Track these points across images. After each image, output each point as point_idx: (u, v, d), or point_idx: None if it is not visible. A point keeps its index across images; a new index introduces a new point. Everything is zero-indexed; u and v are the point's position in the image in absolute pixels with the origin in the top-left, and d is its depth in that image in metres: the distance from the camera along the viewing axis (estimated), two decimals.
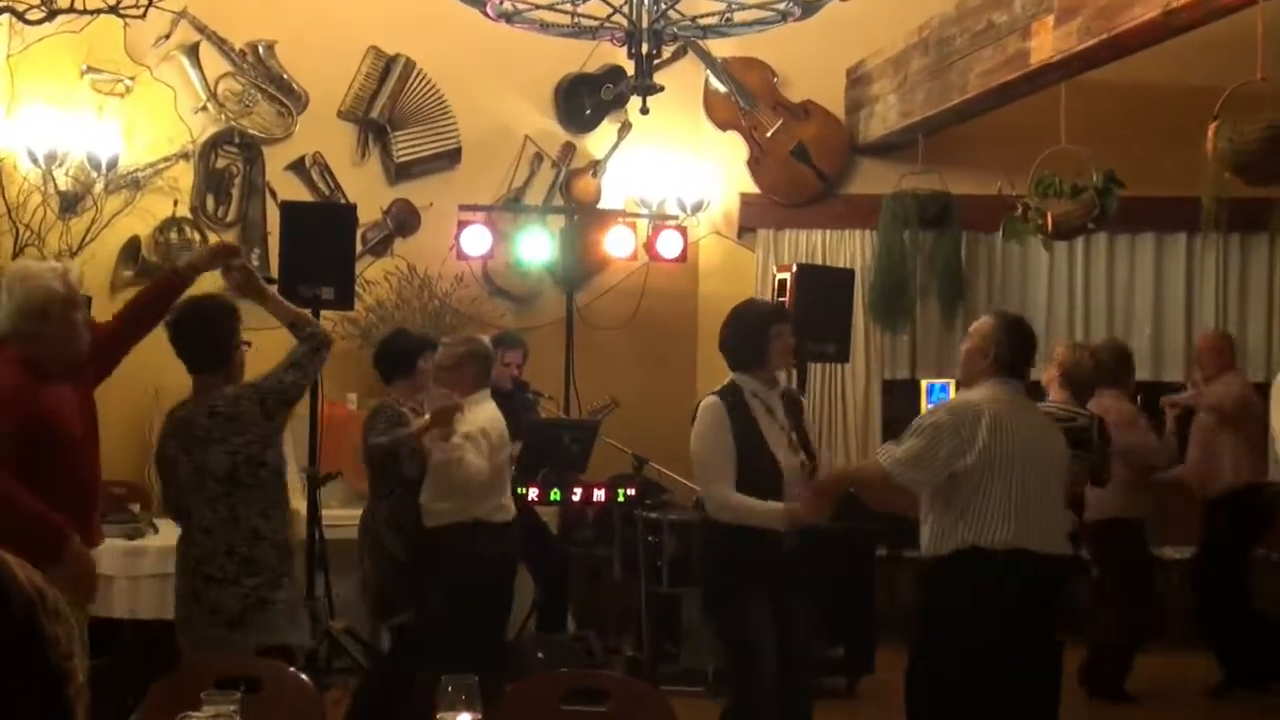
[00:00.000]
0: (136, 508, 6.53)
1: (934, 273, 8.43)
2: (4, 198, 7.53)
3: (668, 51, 7.94)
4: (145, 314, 4.31)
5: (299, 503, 7.17)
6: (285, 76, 8.07)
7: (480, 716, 2.54)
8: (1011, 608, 4.24)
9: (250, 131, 7.99)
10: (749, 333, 4.65)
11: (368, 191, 8.08)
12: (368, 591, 5.63)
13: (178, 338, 4.30)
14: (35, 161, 7.50)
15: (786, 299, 7.18)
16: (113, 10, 6.89)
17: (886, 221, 8.36)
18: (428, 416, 5.28)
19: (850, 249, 8.59)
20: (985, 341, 4.46)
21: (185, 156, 7.84)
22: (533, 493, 6.42)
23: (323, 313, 6.69)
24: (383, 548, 5.37)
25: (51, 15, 6.89)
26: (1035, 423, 4.47)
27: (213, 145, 7.93)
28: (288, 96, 8.07)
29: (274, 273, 7.28)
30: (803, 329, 6.80)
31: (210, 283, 4.76)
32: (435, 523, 5.35)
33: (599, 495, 6.93)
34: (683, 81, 8.19)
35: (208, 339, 4.28)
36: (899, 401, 8.48)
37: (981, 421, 4.26)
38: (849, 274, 7.80)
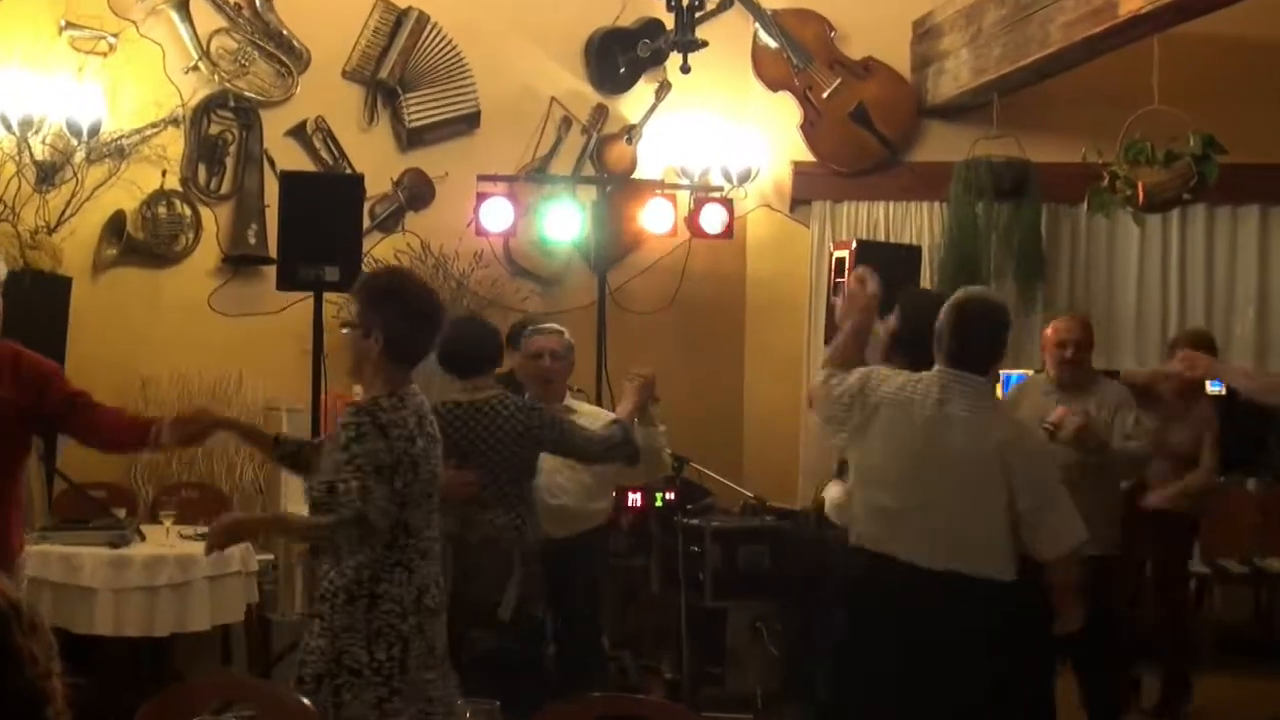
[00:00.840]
0: (122, 513, 6.54)
1: (1010, 250, 8.40)
2: None
3: (712, 2, 7.99)
4: (100, 437, 4.46)
5: (297, 508, 7.20)
6: (285, 33, 8.09)
7: None
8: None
9: (246, 94, 8.02)
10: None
11: (376, 160, 8.10)
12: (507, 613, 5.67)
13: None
14: (9, 128, 7.54)
15: (844, 278, 7.15)
16: None
17: (957, 192, 8.32)
18: (629, 401, 5.37)
19: (916, 223, 8.58)
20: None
21: (175, 122, 7.87)
22: None
23: (326, 295, 6.73)
24: (533, 559, 5.20)
25: None
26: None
27: (205, 109, 7.96)
28: (288, 55, 8.10)
29: (271, 250, 7.33)
30: None
31: None
32: (583, 526, 5.56)
33: (635, 500, 6.91)
34: (729, 36, 8.17)
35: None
36: None
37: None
38: (915, 251, 7.77)
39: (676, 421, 7.55)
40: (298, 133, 8.11)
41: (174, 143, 7.89)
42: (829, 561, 5.54)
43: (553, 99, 8.42)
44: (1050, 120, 8.22)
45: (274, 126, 8.07)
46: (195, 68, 7.92)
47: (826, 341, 7.47)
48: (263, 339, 7.70)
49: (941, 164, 8.43)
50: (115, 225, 7.75)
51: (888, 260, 7.38)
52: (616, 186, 8.30)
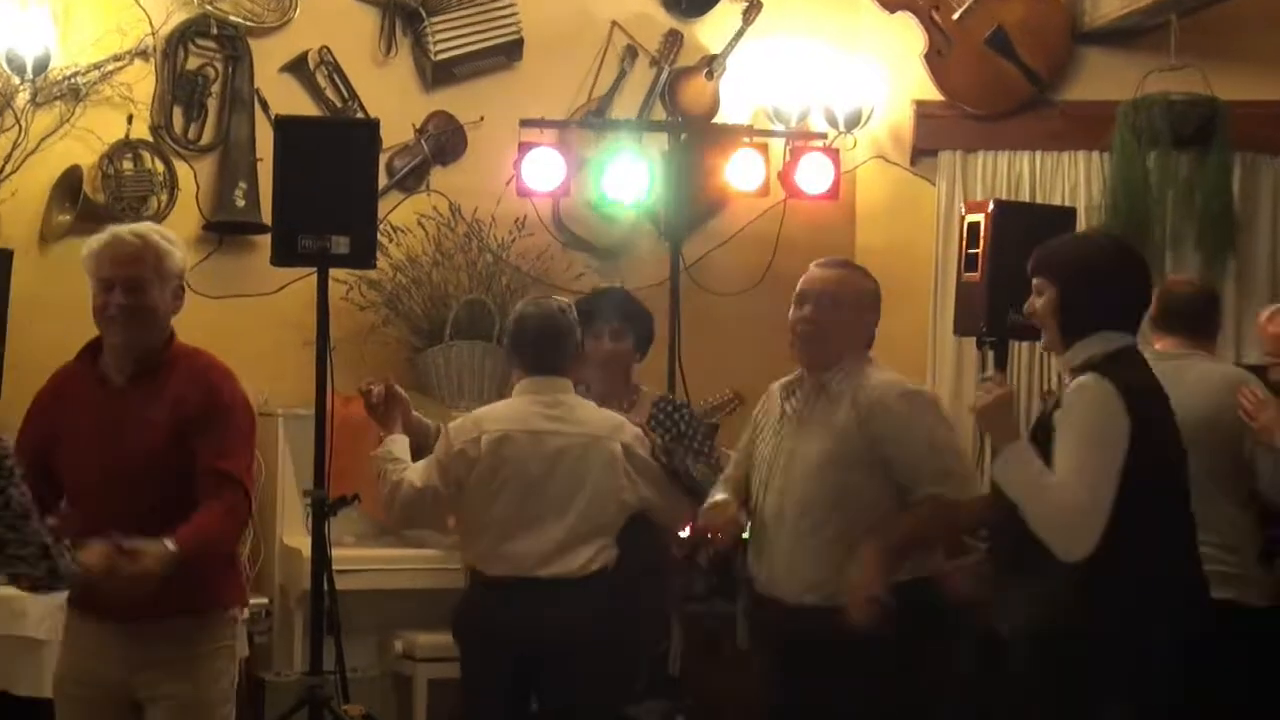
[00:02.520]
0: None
1: (1191, 212, 8.33)
2: None
3: None
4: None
5: (297, 538, 7.22)
6: None
7: None
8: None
9: (232, 19, 8.02)
10: None
11: (395, 102, 8.11)
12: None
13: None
14: None
15: (979, 250, 7.10)
16: None
17: (1123, 139, 8.25)
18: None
19: (1071, 178, 8.53)
20: None
21: (143, 55, 7.87)
22: None
23: (331, 272, 6.72)
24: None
25: None
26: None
27: (181, 38, 7.96)
28: None
29: (265, 216, 7.32)
30: (1000, 293, 6.73)
31: None
32: None
33: None
34: None
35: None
36: None
37: None
38: (1069, 214, 7.62)
39: None
40: (297, 67, 8.11)
41: (142, 81, 7.89)
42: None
43: (614, 23, 8.41)
44: (1244, 48, 8.16)
45: (267, 60, 8.08)
46: None
47: (956, 331, 7.43)
48: (254, 326, 7.69)
49: (1103, 103, 8.36)
50: (69, 184, 7.75)
51: (1034, 226, 7.23)
52: (693, 134, 8.28)
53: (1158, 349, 5.95)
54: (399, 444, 5.66)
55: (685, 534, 6.06)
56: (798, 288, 5.24)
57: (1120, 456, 4.29)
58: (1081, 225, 7.87)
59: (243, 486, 4.47)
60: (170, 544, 4.19)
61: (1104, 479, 4.28)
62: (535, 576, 5.48)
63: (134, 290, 4.44)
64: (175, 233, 4.74)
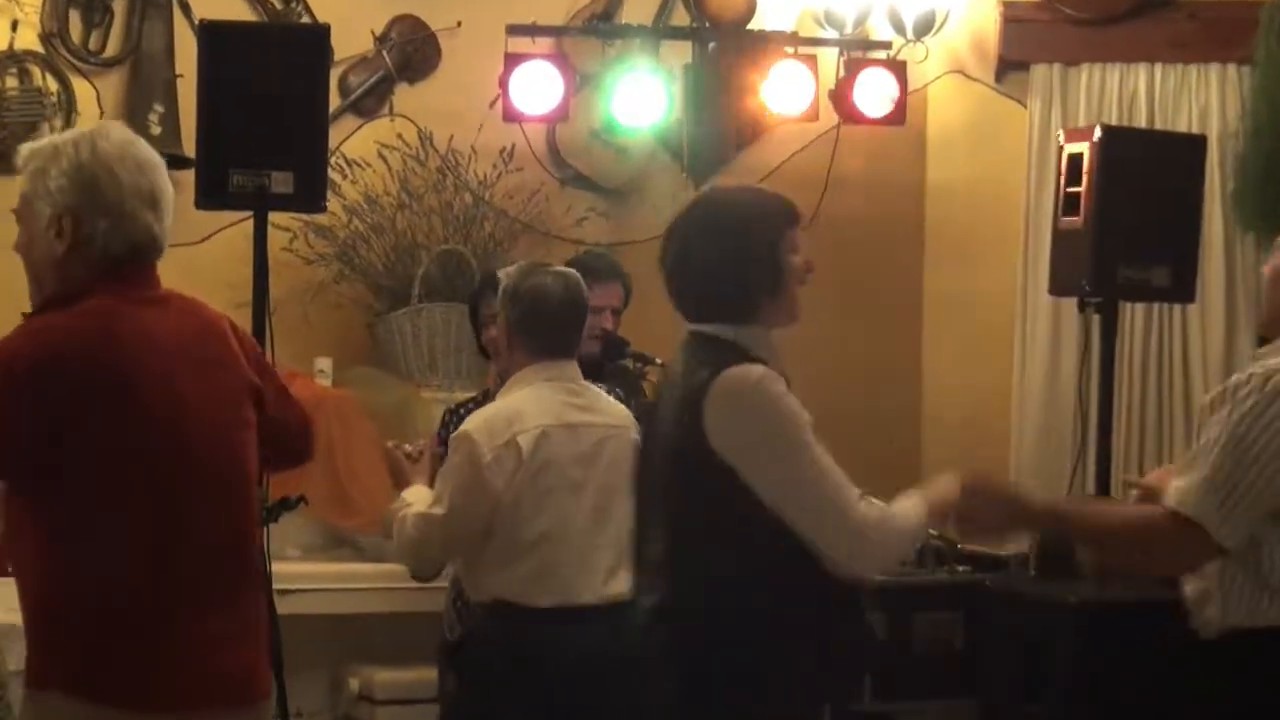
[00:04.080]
0: None
1: None
2: None
3: None
4: None
5: None
6: None
7: None
8: None
9: None
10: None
11: (349, 3, 8.10)
12: None
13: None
14: None
15: (1082, 188, 7.09)
16: None
17: (1270, 48, 8.14)
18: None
19: (1200, 99, 8.51)
20: None
21: None
22: None
23: (271, 217, 6.68)
24: None
25: None
26: None
27: None
28: None
29: (187, 147, 7.29)
30: (1109, 242, 6.69)
31: None
32: None
33: None
34: None
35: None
36: None
37: None
38: (1198, 144, 7.70)
39: (820, 415, 7.49)
40: None
41: None
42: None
43: None
44: None
45: None
46: None
47: (1052, 289, 7.41)
48: (174, 284, 7.64)
49: (1241, 3, 8.34)
50: None
51: (1153, 159, 7.39)
52: (723, 43, 8.29)
53: None
54: (419, 494, 5.69)
55: None
56: None
57: None
58: (1212, 159, 7.89)
59: None
60: None
61: None
62: (590, 604, 5.51)
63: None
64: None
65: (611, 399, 5.82)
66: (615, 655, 5.23)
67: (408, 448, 5.81)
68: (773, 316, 4.69)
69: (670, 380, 4.68)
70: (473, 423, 5.68)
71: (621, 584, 5.37)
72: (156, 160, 4.31)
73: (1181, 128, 8.34)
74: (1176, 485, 4.43)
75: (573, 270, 5.94)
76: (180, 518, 4.07)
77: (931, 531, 5.73)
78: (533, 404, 5.64)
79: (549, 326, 5.70)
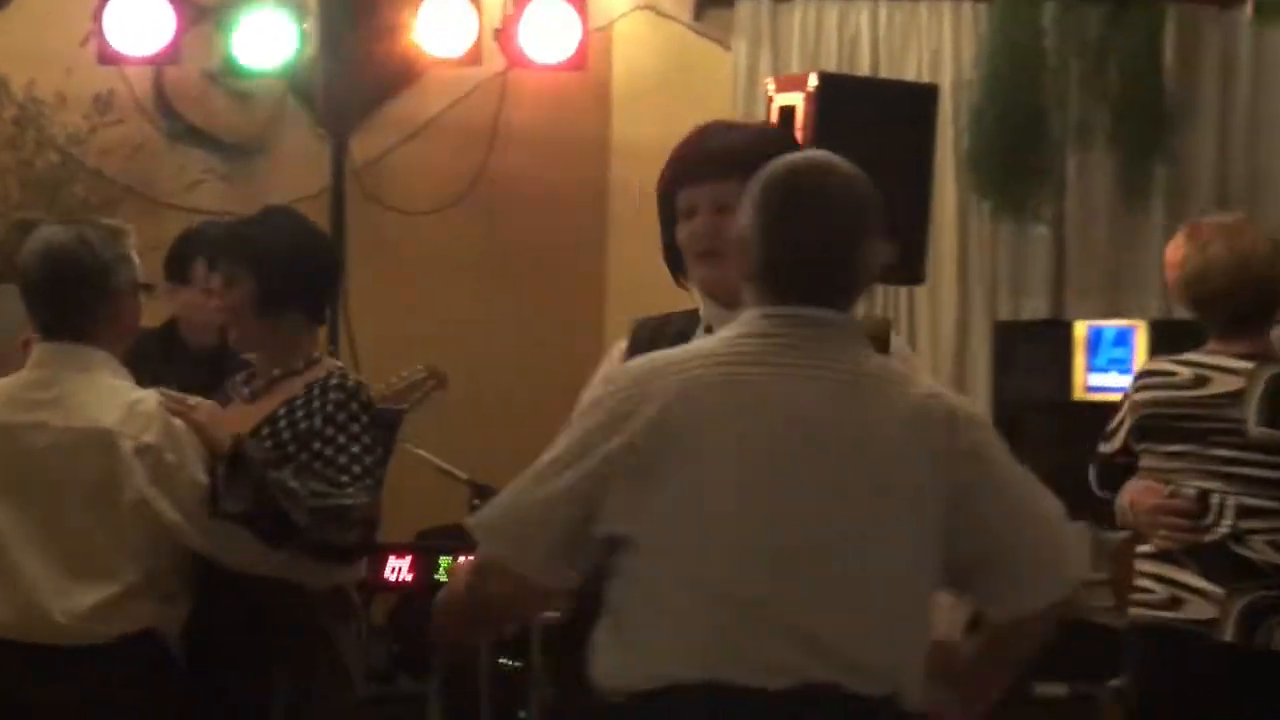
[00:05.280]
0: None
1: (1105, 92, 8.48)
2: None
3: None
4: None
5: None
6: None
7: None
8: None
9: None
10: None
11: None
12: None
13: None
14: None
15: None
16: None
17: None
18: None
19: (931, 41, 8.66)
20: None
21: None
22: None
23: None
24: None
25: None
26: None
27: None
28: None
29: None
30: None
31: None
32: None
33: (398, 568, 7.04)
34: None
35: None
36: (1029, 360, 8.43)
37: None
38: (928, 94, 7.70)
39: (483, 417, 7.48)
40: None
41: None
42: None
43: None
44: None
45: None
46: None
47: None
48: None
49: None
50: None
51: (876, 113, 7.43)
52: None
53: None
54: None
55: None
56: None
57: None
58: (946, 111, 8.00)
59: None
60: None
61: None
62: None
63: None
64: None
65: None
66: None
67: None
68: None
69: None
70: None
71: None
72: None
73: (910, 75, 8.48)
74: None
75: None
76: None
77: None
78: None
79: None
